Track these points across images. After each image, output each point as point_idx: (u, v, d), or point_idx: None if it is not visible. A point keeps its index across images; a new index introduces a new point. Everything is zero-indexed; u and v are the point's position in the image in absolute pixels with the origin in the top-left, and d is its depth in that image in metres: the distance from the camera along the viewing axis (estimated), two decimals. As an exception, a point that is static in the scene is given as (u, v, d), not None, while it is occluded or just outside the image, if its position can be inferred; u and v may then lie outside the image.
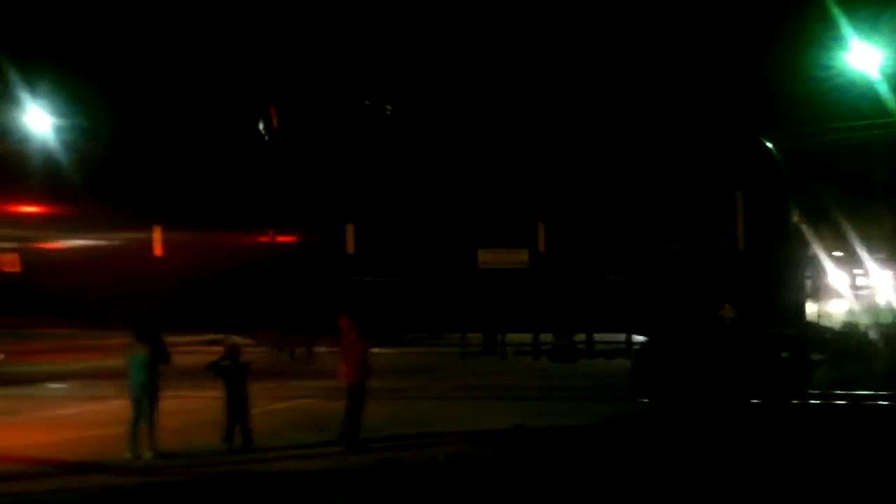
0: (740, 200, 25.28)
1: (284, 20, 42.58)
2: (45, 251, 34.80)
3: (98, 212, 34.11)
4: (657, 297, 25.71)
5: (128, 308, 28.83)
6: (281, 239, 28.12)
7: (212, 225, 28.65)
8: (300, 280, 27.14)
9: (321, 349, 27.32)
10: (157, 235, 29.69)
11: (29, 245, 35.66)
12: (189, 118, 37.46)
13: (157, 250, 29.23)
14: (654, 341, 26.38)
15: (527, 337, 26.92)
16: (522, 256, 26.08)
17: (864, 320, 31.31)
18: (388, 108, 28.00)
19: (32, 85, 39.15)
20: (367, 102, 28.82)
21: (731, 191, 25.42)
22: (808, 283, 27.02)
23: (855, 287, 35.81)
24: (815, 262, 27.65)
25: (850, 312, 33.38)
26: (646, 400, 25.40)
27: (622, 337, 26.55)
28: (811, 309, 27.17)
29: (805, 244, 26.91)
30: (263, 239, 28.02)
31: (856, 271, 36.19)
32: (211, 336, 31.96)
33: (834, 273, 30.67)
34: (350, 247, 26.95)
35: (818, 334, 27.07)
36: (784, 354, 25.82)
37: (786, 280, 25.83)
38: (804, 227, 27.04)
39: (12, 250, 35.05)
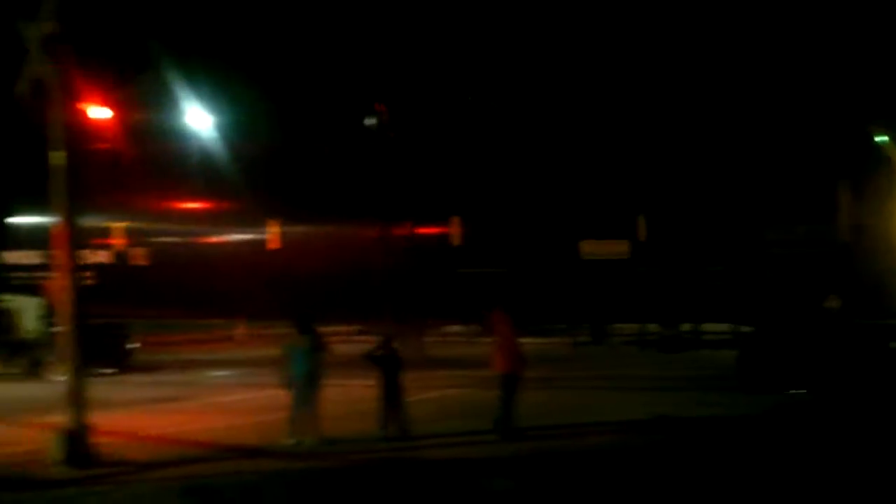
0: (845, 190, 25.06)
1: (393, 19, 43.31)
2: (172, 245, 36.59)
3: (227, 208, 35.75)
4: (761, 287, 25.69)
5: (247, 299, 30.16)
6: (420, 231, 28.86)
7: (326, 219, 29.75)
8: (409, 272, 27.93)
9: (427, 339, 27.95)
10: (274, 230, 31.01)
11: (159, 239, 37.64)
12: (306, 117, 38.48)
13: (274, 243, 30.43)
14: (759, 332, 26.25)
15: (628, 327, 27.15)
16: (623, 247, 26.37)
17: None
18: (469, 97, 28.56)
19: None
20: (469, 98, 29.47)
21: (835, 180, 25.23)
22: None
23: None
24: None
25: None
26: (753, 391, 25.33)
27: (725, 327, 26.56)
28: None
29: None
30: (377, 233, 28.92)
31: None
32: (359, 326, 32.78)
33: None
34: (456, 239, 27.64)
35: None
36: (893, 345, 25.46)
37: (892, 270, 25.50)
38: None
39: (142, 245, 37.01)
